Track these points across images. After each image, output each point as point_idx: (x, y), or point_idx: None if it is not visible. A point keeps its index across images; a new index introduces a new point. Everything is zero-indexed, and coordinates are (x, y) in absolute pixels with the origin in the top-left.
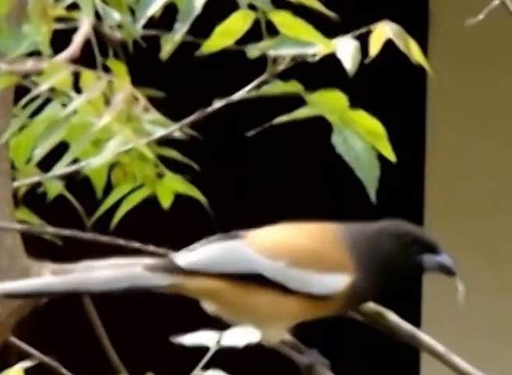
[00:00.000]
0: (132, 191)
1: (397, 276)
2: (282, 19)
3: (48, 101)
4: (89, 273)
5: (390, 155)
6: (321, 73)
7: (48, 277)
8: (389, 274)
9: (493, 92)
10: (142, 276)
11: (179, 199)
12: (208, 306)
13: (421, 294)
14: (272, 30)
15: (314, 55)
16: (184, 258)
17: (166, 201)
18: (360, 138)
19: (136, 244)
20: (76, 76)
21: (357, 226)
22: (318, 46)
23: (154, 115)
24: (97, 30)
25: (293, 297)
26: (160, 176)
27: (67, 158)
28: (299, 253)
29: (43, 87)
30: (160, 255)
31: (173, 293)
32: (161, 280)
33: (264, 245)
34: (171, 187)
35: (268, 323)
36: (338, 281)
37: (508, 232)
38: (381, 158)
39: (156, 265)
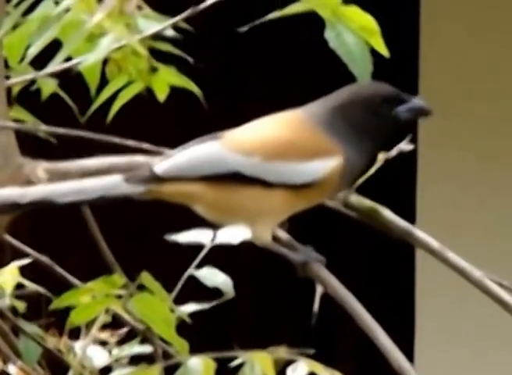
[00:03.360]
0: (126, 86)
1: (380, 140)
2: None
3: None
4: (61, 183)
5: (383, 50)
6: None
7: (18, 189)
8: (372, 141)
9: None
10: (117, 185)
11: (175, 96)
12: (197, 209)
13: (415, 191)
14: None
15: None
16: (161, 165)
17: (162, 94)
18: (353, 33)
19: (131, 142)
20: None
21: (319, 106)
22: None
23: (148, 11)
24: None
25: (275, 190)
26: (154, 70)
27: (60, 55)
28: (273, 145)
29: None
30: (155, 153)
31: (151, 199)
32: (136, 188)
33: (238, 143)
34: (166, 79)
35: (253, 220)
36: (322, 166)
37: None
38: (374, 54)
39: (132, 174)
